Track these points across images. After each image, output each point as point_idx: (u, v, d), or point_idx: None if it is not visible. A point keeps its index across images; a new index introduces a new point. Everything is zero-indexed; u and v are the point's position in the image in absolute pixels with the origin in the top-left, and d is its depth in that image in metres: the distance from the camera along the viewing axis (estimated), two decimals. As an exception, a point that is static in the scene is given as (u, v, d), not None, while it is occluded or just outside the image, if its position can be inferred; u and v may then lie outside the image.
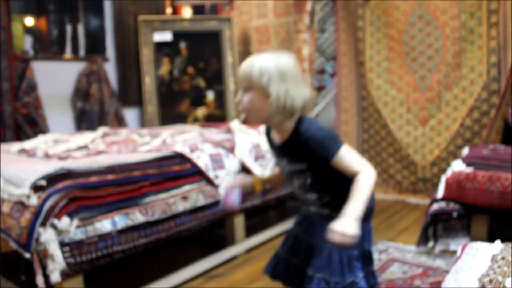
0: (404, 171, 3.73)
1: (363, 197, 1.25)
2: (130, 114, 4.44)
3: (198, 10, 5.09)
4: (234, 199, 1.48)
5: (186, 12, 5.01)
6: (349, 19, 3.96)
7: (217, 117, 4.33)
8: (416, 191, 3.67)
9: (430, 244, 2.48)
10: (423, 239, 2.49)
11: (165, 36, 4.38)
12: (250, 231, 2.68)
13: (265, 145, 2.57)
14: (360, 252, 1.37)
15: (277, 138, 1.38)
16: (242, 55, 4.57)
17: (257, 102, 1.29)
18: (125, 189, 1.86)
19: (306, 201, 1.43)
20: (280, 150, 1.36)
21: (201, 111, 4.37)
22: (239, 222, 2.52)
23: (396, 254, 2.47)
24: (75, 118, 4.10)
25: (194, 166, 2.15)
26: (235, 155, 2.35)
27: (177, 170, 2.07)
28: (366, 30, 3.84)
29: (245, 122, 1.36)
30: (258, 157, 2.49)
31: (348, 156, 1.29)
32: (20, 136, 3.58)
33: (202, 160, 2.17)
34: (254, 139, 2.56)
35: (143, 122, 4.38)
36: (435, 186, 3.56)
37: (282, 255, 1.52)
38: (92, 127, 4.03)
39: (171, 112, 4.29)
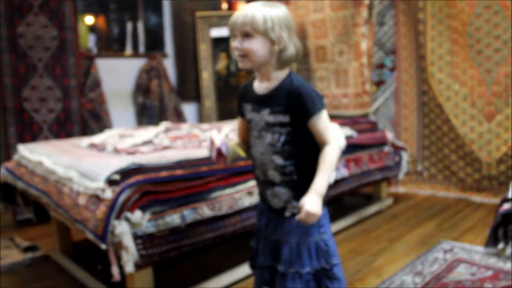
0: (468, 168, 3.59)
1: (329, 173, 1.30)
2: (189, 109, 4.53)
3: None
4: (225, 153, 1.47)
5: (241, 7, 5.04)
6: (409, 12, 3.85)
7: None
8: (481, 189, 3.53)
9: (500, 245, 2.37)
10: (492, 240, 2.39)
11: (222, 31, 4.42)
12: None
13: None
14: (327, 236, 1.39)
15: (262, 88, 1.39)
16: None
17: (259, 47, 1.31)
18: (193, 184, 1.90)
19: (265, 176, 1.41)
20: (264, 100, 1.37)
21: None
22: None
23: (462, 254, 2.40)
24: (136, 113, 4.22)
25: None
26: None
27: (242, 165, 2.09)
28: (427, 22, 3.72)
29: (242, 67, 1.37)
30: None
31: (326, 122, 1.34)
32: (85, 130, 3.72)
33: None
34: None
35: (201, 117, 4.44)
36: (502, 184, 3.41)
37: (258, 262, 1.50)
38: (152, 121, 4.13)
39: (228, 107, 4.33)
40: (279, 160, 1.36)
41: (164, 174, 1.84)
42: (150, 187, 1.78)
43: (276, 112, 1.34)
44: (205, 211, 1.89)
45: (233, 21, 1.35)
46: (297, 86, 1.31)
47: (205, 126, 3.12)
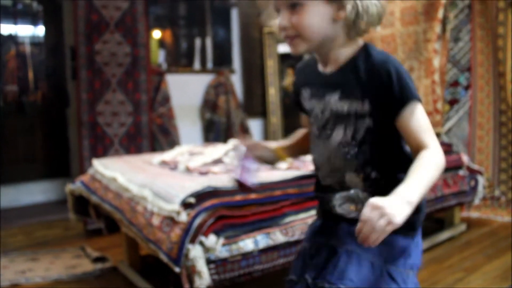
0: (551, 195, 3.35)
1: (426, 180, 0.90)
2: (254, 125, 4.54)
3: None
4: (251, 174, 1.18)
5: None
6: (487, 26, 3.66)
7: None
8: None
9: None
10: None
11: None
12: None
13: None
14: (412, 275, 1.03)
15: (327, 68, 1.04)
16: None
17: (317, 19, 0.95)
18: (267, 209, 1.87)
19: (332, 182, 1.05)
20: (332, 81, 1.01)
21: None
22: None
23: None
24: (203, 128, 4.28)
25: (331, 186, 2.10)
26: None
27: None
28: (508, 37, 3.52)
29: (294, 51, 1.01)
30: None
31: (424, 118, 0.96)
32: (154, 145, 3.81)
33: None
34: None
35: (267, 133, 4.44)
36: None
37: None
38: (218, 137, 4.17)
39: (294, 123, 4.30)
40: (352, 163, 1.01)
41: (238, 198, 1.82)
42: (224, 211, 1.77)
43: (349, 97, 0.99)
44: (278, 236, 1.85)
45: None
46: (381, 61, 0.95)
47: (273, 144, 3.10)
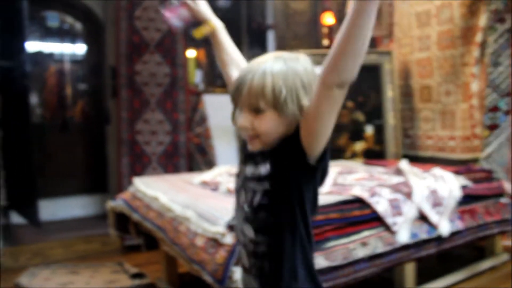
0: None
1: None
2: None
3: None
4: (179, 18, 1.30)
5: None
6: (528, 52, 3.62)
7: (375, 153, 4.23)
8: None
9: None
10: None
11: (324, 69, 4.44)
12: (423, 278, 2.53)
13: (443, 191, 2.42)
14: None
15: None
16: (403, 89, 4.44)
17: (276, 125, 1.00)
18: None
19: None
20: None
21: (359, 146, 4.32)
22: (410, 267, 2.40)
23: None
24: (239, 148, 4.31)
25: (373, 211, 2.10)
26: (412, 201, 2.25)
27: (357, 215, 2.05)
28: (549, 63, 3.47)
29: (252, 149, 1.06)
30: (436, 204, 2.35)
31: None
32: (191, 164, 3.87)
33: (381, 206, 2.11)
34: (430, 184, 2.43)
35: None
36: None
37: None
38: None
39: (334, 144, 4.30)
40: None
41: (281, 221, 1.84)
42: (268, 234, 1.79)
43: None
44: (320, 261, 1.86)
45: (241, 86, 1.04)
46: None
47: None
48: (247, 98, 1.01)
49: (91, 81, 4.77)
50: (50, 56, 4.65)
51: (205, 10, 1.32)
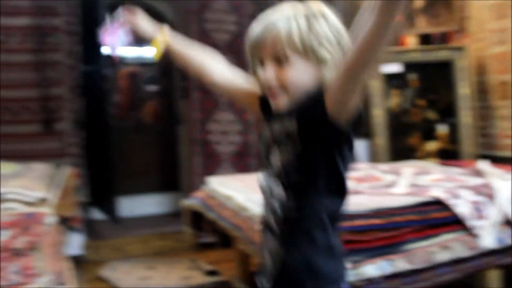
0: None
1: None
2: (359, 146, 4.50)
3: (424, 39, 4.92)
4: (118, 43, 1.19)
5: (411, 42, 4.89)
6: None
7: (449, 152, 4.09)
8: None
9: None
10: None
11: (394, 67, 4.34)
12: (509, 286, 2.42)
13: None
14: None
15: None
16: (478, 86, 4.26)
17: (303, 76, 0.97)
18: (388, 235, 1.87)
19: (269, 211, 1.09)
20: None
21: (432, 145, 4.20)
22: (493, 274, 2.31)
23: None
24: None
25: (453, 214, 2.05)
26: (495, 204, 2.17)
27: (437, 217, 2.00)
28: None
29: (277, 105, 1.01)
30: (520, 207, 2.25)
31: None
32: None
33: (462, 208, 2.05)
34: (514, 186, 2.32)
35: (372, 155, 4.38)
36: None
37: None
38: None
39: (399, 145, 4.21)
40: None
41: (360, 222, 1.84)
42: (347, 235, 1.79)
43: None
44: (400, 263, 1.84)
45: (259, 36, 0.99)
46: None
47: (383, 166, 3.07)
48: (272, 47, 0.96)
49: (162, 83, 4.94)
50: (122, 59, 4.86)
51: (147, 26, 1.25)
